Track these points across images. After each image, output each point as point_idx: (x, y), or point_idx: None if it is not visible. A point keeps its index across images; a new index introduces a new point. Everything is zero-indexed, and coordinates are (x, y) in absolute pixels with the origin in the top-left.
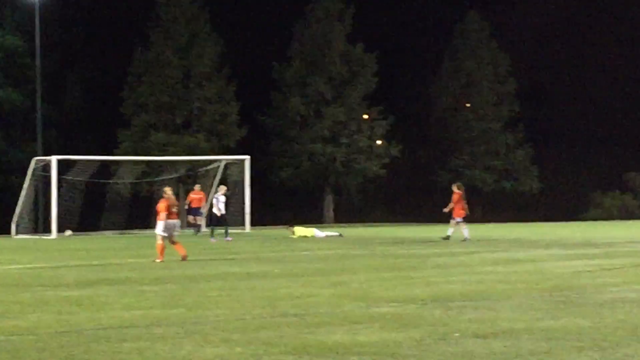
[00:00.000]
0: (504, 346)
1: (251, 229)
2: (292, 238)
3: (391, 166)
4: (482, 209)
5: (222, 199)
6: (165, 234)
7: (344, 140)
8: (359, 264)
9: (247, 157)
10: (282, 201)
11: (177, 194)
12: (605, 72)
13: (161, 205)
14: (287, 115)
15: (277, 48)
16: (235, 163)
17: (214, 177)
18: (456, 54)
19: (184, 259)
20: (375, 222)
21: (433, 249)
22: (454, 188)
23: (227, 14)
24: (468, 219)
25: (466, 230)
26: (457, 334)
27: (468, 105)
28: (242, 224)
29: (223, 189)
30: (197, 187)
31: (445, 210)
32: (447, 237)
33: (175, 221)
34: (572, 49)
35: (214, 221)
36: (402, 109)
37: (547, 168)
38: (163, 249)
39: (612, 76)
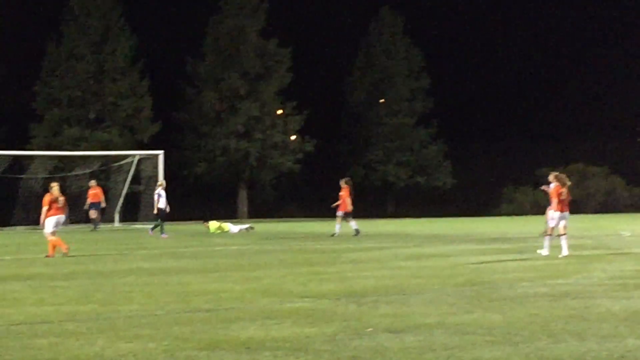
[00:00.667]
0: (417, 341)
1: (165, 225)
2: (206, 233)
3: (305, 161)
4: (396, 204)
5: (163, 193)
6: (56, 229)
7: (258, 135)
8: (273, 259)
9: (160, 153)
10: (196, 196)
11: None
12: (518, 67)
13: (45, 200)
14: (201, 110)
15: (191, 43)
16: (148, 158)
17: (128, 172)
18: (370, 49)
19: (63, 254)
20: (289, 217)
21: (347, 244)
22: (342, 183)
23: (141, 9)
24: (359, 215)
25: (339, 226)
26: (370, 329)
27: (382, 100)
28: (156, 219)
29: (163, 183)
30: (92, 182)
31: (334, 206)
32: (334, 234)
33: (59, 216)
34: (485, 44)
35: (162, 216)
36: (316, 104)
37: (460, 163)
38: (55, 244)
39: (524, 72)
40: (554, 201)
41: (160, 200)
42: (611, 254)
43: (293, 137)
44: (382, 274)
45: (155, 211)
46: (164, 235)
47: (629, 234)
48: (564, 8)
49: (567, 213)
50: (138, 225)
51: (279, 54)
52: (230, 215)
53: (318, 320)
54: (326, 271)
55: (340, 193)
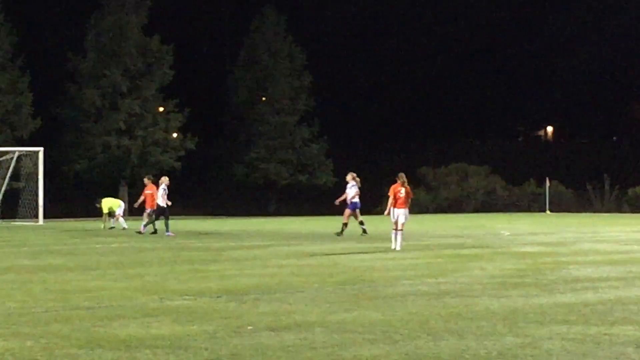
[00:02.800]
0: (298, 339)
1: (45, 222)
2: (86, 231)
3: (187, 159)
4: (278, 203)
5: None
6: None
7: (139, 132)
8: (154, 257)
9: (40, 149)
10: (76, 193)
11: None
12: (399, 68)
13: None
14: (82, 107)
15: (72, 39)
16: (28, 155)
17: (7, 169)
18: (252, 48)
19: None
20: (170, 215)
21: (228, 242)
22: (146, 181)
23: (22, 4)
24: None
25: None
26: (250, 327)
27: (264, 98)
28: (36, 216)
29: (165, 179)
30: None
31: (136, 205)
32: (141, 231)
33: None
34: (367, 44)
35: (166, 213)
36: (198, 102)
37: (342, 162)
38: None
39: (406, 72)
40: (390, 198)
41: (160, 198)
42: (490, 252)
43: (175, 135)
44: (263, 272)
45: (162, 204)
46: (169, 233)
47: (508, 233)
48: (446, 12)
49: (403, 210)
50: (17, 223)
51: (161, 51)
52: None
53: (198, 318)
54: (207, 269)
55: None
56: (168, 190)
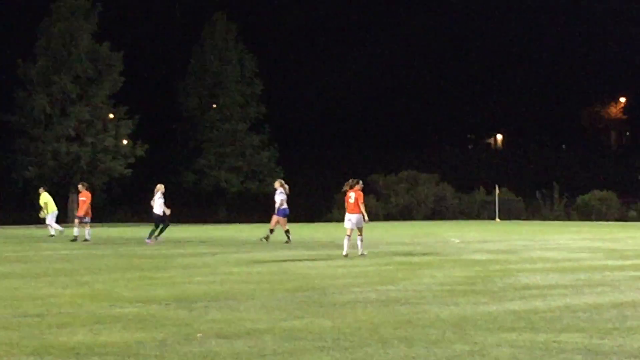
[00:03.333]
0: (247, 346)
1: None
2: (35, 238)
3: (137, 166)
4: (228, 210)
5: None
6: None
7: (89, 139)
8: (103, 264)
9: None
10: (26, 200)
11: None
12: (350, 76)
13: None
14: (32, 113)
15: (22, 45)
16: None
17: None
18: (203, 55)
19: None
20: (120, 222)
21: (178, 249)
22: (80, 187)
23: None
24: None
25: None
26: (200, 335)
27: (214, 106)
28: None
29: (161, 187)
30: None
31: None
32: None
33: None
34: (319, 52)
35: (165, 222)
36: (148, 109)
37: (292, 169)
38: None
39: (357, 80)
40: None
41: (157, 206)
42: (440, 260)
43: (124, 142)
44: (213, 279)
45: (159, 213)
46: (157, 239)
47: (458, 241)
48: (397, 21)
49: (355, 215)
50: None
51: (111, 58)
52: (61, 219)
53: (148, 326)
54: (156, 276)
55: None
56: (164, 197)
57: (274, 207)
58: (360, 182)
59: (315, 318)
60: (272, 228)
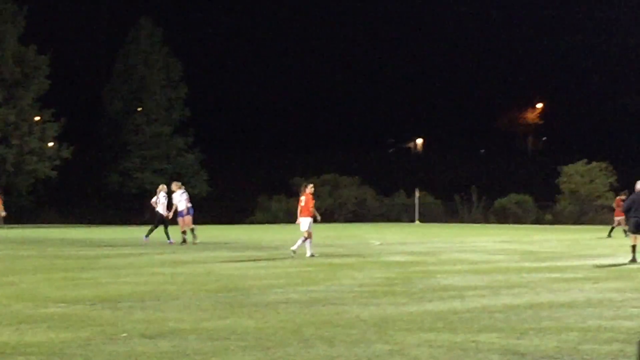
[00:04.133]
0: (171, 346)
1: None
2: None
3: (62, 168)
4: (152, 212)
5: (164, 199)
6: None
7: (14, 141)
8: (28, 265)
9: None
10: None
11: None
12: (273, 80)
13: None
14: None
15: None
16: None
17: None
18: (128, 58)
19: None
20: (46, 223)
21: (103, 250)
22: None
23: None
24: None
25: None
26: (124, 334)
27: (140, 109)
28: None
29: (164, 187)
30: None
31: None
32: None
33: None
34: (243, 56)
35: (166, 222)
36: (74, 112)
37: (216, 172)
38: None
39: (278, 85)
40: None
41: (160, 206)
42: (361, 262)
43: (50, 144)
44: (138, 280)
45: (161, 212)
46: (146, 239)
47: (378, 243)
48: (317, 25)
49: (304, 218)
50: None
51: (37, 61)
52: None
53: (72, 325)
54: (81, 277)
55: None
56: (168, 197)
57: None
58: (310, 185)
59: (238, 318)
60: (184, 230)
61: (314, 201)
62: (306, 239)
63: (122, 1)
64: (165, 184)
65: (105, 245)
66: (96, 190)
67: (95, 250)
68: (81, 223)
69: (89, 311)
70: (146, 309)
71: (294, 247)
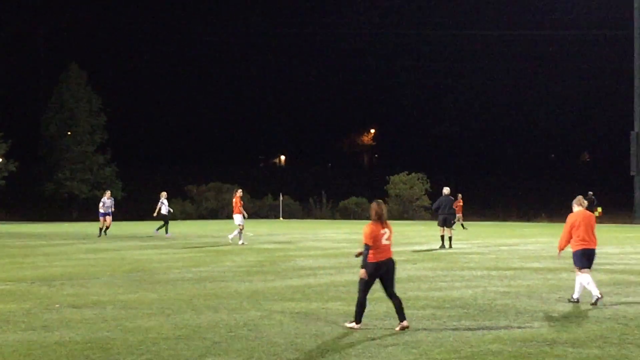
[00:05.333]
0: (94, 314)
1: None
2: None
3: (10, 178)
4: (79, 212)
5: (166, 202)
6: None
7: None
8: None
9: None
10: None
11: None
12: (173, 111)
13: None
14: None
15: None
16: None
17: None
18: (61, 94)
19: None
20: None
21: (40, 241)
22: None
23: None
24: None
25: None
26: (57, 305)
27: (69, 133)
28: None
29: (164, 194)
30: None
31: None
32: None
33: None
34: (148, 92)
35: (166, 219)
36: (18, 134)
37: (129, 180)
38: None
39: (179, 113)
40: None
41: (163, 207)
42: (239, 249)
43: (0, 160)
44: (68, 263)
45: (155, 214)
46: (168, 235)
47: (252, 234)
48: (215, 70)
49: (235, 215)
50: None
51: None
52: None
53: (17, 299)
54: (24, 261)
55: None
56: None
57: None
58: (239, 191)
59: (145, 292)
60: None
61: (242, 202)
62: (240, 231)
63: (56, 49)
64: (89, 191)
65: (42, 238)
66: (36, 195)
67: (34, 241)
68: (24, 221)
69: (29, 288)
70: (74, 286)
71: (230, 236)
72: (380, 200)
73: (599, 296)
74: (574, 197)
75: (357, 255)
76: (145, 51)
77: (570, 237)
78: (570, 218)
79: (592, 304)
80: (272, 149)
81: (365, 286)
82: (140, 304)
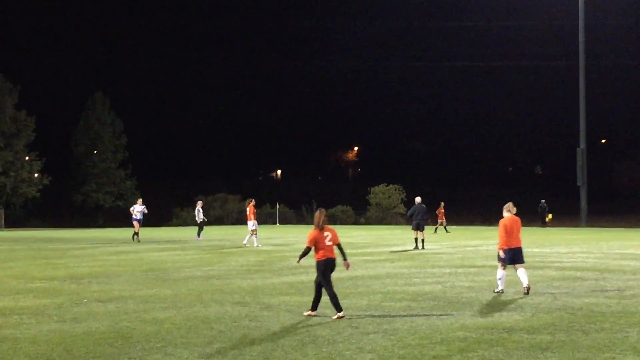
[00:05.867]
0: (117, 307)
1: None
2: None
3: (44, 191)
4: (104, 219)
5: (201, 210)
6: None
7: (12, 173)
8: (20, 255)
9: None
10: None
11: None
12: (183, 132)
13: None
14: None
15: None
16: None
17: None
18: (88, 119)
19: None
20: (32, 227)
21: (71, 245)
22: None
23: None
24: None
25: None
26: (85, 300)
27: (95, 152)
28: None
29: (200, 202)
30: None
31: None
32: None
33: None
34: (163, 117)
35: (201, 225)
36: (51, 153)
37: (147, 192)
38: None
39: (188, 134)
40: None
41: (199, 214)
42: (241, 250)
43: (36, 175)
44: (94, 264)
45: (198, 221)
46: (199, 238)
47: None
48: (210, 92)
49: (249, 222)
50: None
51: (26, 121)
52: None
53: (50, 295)
54: (56, 263)
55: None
56: (202, 210)
57: (135, 218)
58: (252, 201)
59: (161, 288)
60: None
61: (254, 210)
62: (253, 234)
63: (83, 79)
64: (112, 201)
65: (72, 242)
66: (66, 205)
67: (65, 245)
68: (56, 227)
69: (61, 285)
70: (99, 283)
71: (245, 241)
72: (323, 209)
73: (501, 290)
74: (529, 205)
75: (299, 261)
76: (162, 81)
77: (505, 238)
78: (502, 222)
79: (496, 292)
80: (270, 165)
81: (326, 281)
82: (157, 299)
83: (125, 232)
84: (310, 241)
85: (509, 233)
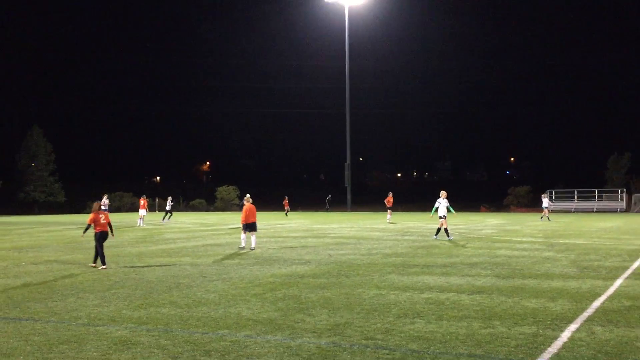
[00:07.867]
0: (45, 267)
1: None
2: None
3: None
4: (39, 210)
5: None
6: None
7: None
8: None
9: None
10: None
11: None
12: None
13: None
14: None
15: None
16: None
17: None
18: (27, 143)
19: None
20: None
21: (14, 227)
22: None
23: None
24: None
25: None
26: (23, 263)
27: (33, 164)
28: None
29: (169, 198)
30: None
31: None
32: None
33: None
34: (91, 136)
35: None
36: (2, 166)
37: (70, 191)
38: None
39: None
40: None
41: (168, 205)
42: (133, 229)
43: None
44: (30, 239)
45: (167, 209)
46: (164, 222)
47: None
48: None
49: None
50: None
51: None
52: None
53: None
54: (3, 238)
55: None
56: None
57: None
58: (144, 196)
59: (76, 255)
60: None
61: (146, 202)
62: (142, 218)
63: (21, 114)
64: (45, 197)
65: (16, 225)
66: (13, 200)
67: (11, 227)
68: (5, 215)
69: (7, 253)
70: (34, 252)
71: (139, 223)
72: (98, 202)
73: (243, 247)
74: (320, 199)
75: (83, 234)
76: (82, 115)
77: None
78: (244, 208)
79: (240, 247)
80: (152, 172)
81: (100, 245)
82: (73, 262)
83: (53, 218)
84: (91, 220)
85: (247, 215)
